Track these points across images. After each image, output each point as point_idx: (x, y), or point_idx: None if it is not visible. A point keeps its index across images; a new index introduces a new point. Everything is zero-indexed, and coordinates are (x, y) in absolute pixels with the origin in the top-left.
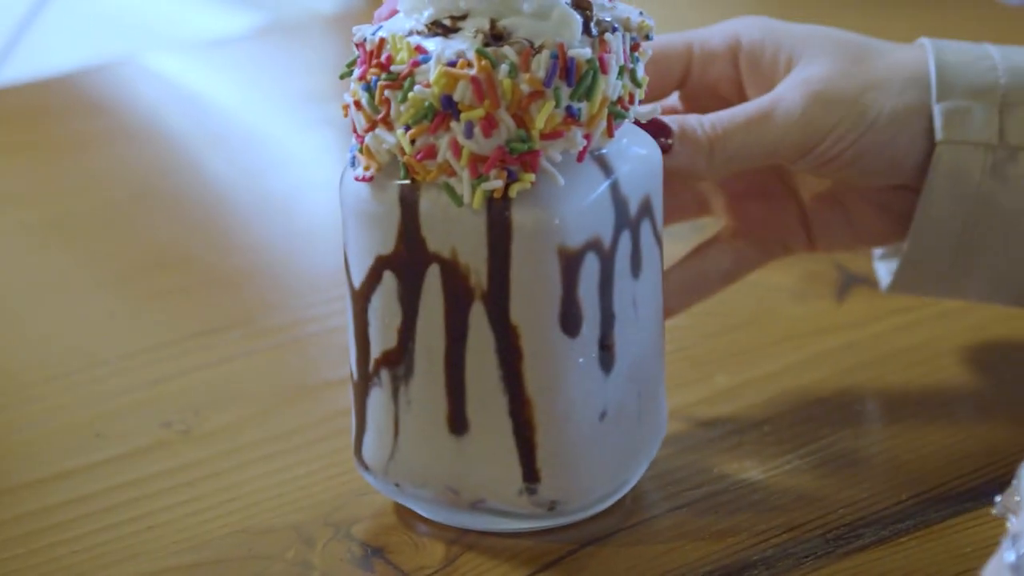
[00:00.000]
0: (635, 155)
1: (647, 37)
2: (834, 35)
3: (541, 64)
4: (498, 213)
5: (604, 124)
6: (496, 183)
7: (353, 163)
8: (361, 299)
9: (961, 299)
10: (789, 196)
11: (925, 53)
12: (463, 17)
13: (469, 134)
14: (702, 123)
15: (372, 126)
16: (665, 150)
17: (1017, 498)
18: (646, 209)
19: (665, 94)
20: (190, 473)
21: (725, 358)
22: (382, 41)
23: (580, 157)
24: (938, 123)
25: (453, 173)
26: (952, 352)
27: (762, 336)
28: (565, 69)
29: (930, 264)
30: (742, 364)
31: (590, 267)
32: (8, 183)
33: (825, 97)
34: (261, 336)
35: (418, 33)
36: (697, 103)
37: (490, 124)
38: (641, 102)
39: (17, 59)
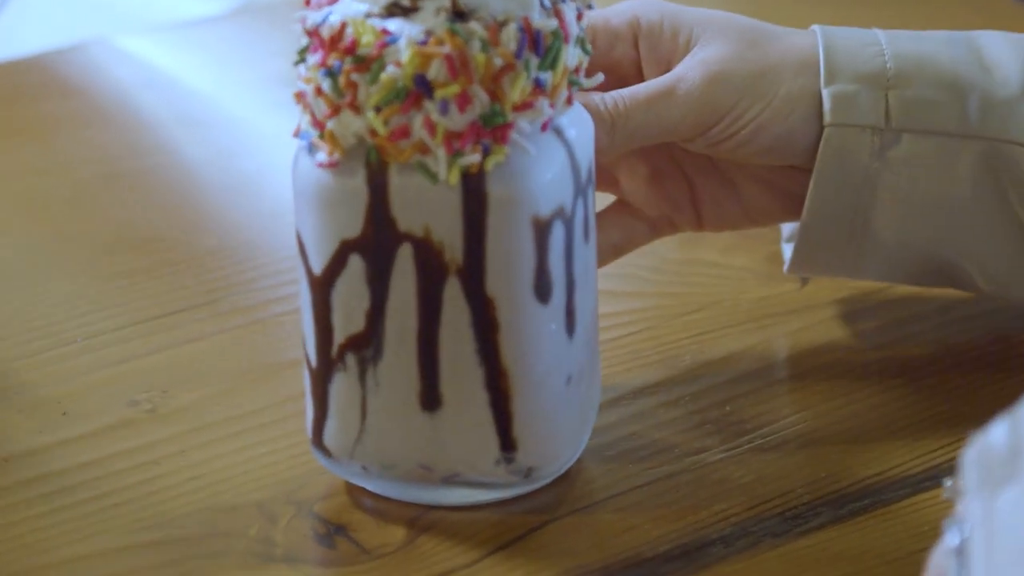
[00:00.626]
0: (579, 123)
1: (589, 6)
2: (731, 19)
3: (511, 37)
4: (474, 188)
5: (565, 93)
6: (473, 158)
7: (310, 150)
8: (323, 285)
9: (861, 279)
10: (678, 173)
11: (816, 38)
12: None
13: (444, 111)
14: (604, 100)
15: (336, 111)
16: None
17: (962, 482)
18: (590, 176)
19: None
20: (155, 451)
21: (688, 339)
22: (343, 25)
23: (544, 127)
24: (827, 106)
25: (427, 151)
26: (917, 334)
27: (725, 318)
28: (533, 41)
29: (825, 245)
30: (705, 344)
31: (557, 235)
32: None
33: (724, 78)
34: (228, 316)
35: (376, 15)
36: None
37: (465, 100)
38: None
39: None
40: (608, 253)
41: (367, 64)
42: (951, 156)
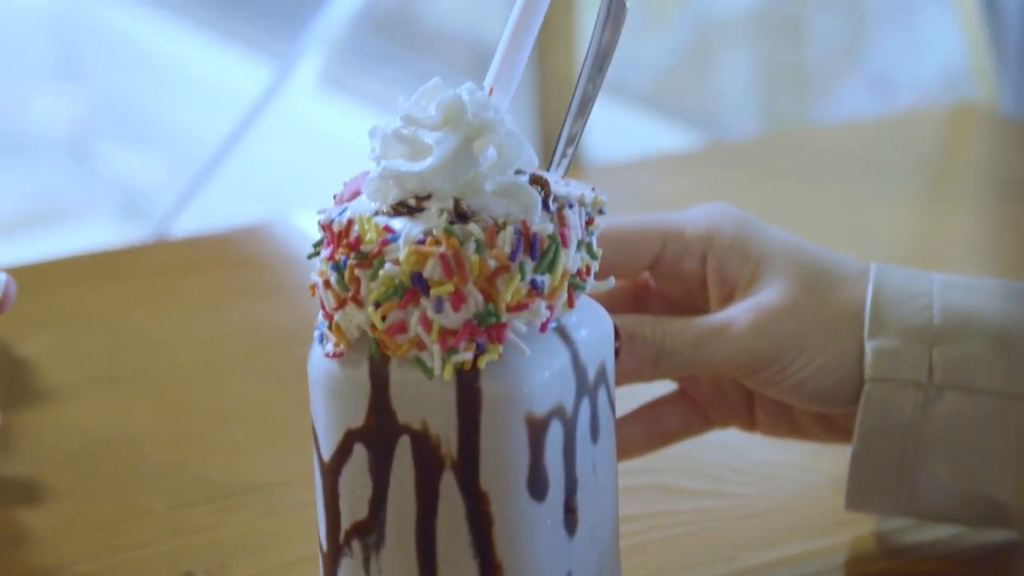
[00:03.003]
0: (592, 325)
1: (600, 212)
2: (798, 255)
3: (506, 240)
4: (468, 384)
5: (565, 296)
6: (466, 355)
7: (321, 340)
8: (331, 472)
9: (917, 519)
10: (735, 380)
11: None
12: (427, 197)
13: (439, 309)
14: (654, 330)
15: (341, 304)
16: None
17: None
18: (602, 377)
19: (634, 275)
20: None
21: (746, 542)
22: (350, 222)
23: (543, 328)
24: (868, 360)
25: (423, 347)
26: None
27: (798, 521)
28: (529, 244)
29: (876, 491)
30: (762, 550)
31: (555, 433)
32: (148, 330)
33: (773, 329)
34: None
35: (384, 213)
36: (663, 284)
37: (459, 299)
38: (597, 276)
39: (194, 212)
40: (658, 439)
41: (369, 260)
42: (998, 414)
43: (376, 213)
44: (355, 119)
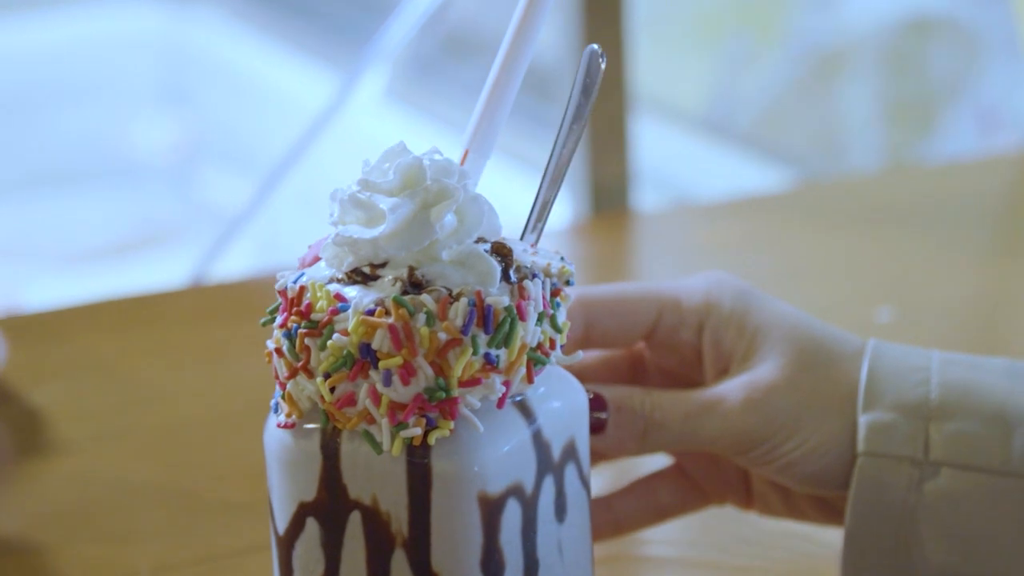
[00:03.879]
0: (558, 399)
1: (567, 283)
2: (794, 330)
3: (459, 312)
4: (418, 460)
5: (523, 371)
6: (415, 431)
7: (276, 409)
8: (285, 545)
9: None
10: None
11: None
12: (383, 265)
13: (388, 382)
14: (643, 404)
15: (293, 373)
16: (597, 428)
17: None
18: (570, 453)
19: (629, 344)
20: None
21: None
22: (302, 289)
23: (500, 404)
24: (861, 434)
25: (373, 420)
26: None
27: None
28: (482, 317)
29: (872, 572)
30: None
31: (511, 513)
32: (162, 381)
33: (764, 409)
34: None
35: (338, 281)
36: (658, 354)
37: (408, 372)
38: (585, 345)
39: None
40: (652, 515)
41: (319, 329)
42: (994, 494)
43: (331, 280)
44: (420, 135)
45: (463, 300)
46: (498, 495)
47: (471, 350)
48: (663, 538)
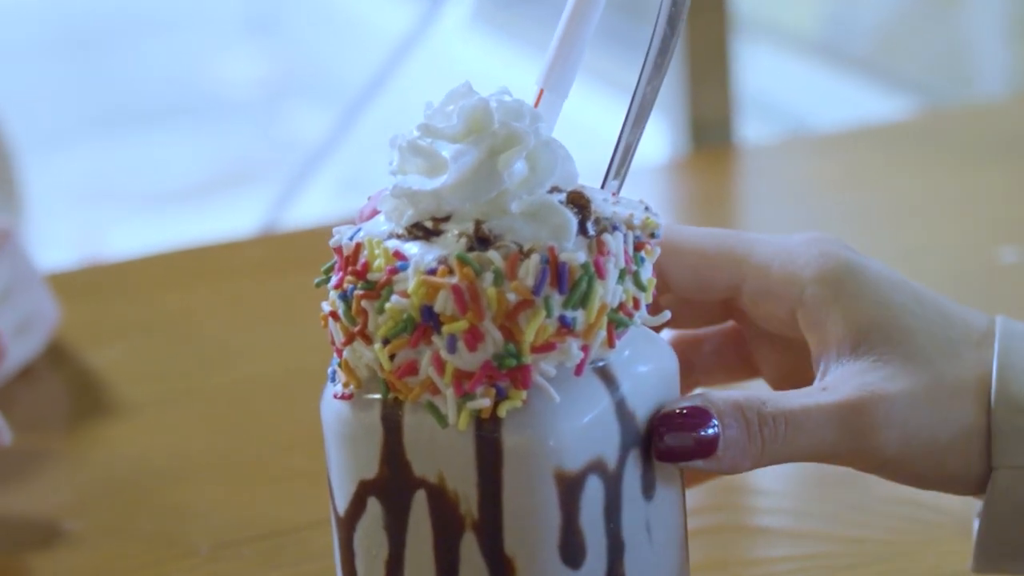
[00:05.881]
0: (644, 364)
1: (653, 235)
2: (913, 316)
3: (530, 270)
4: (487, 435)
5: (603, 334)
6: (483, 402)
7: (333, 378)
8: (346, 527)
9: None
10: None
11: (993, 349)
12: (446, 219)
13: (452, 348)
14: (760, 414)
15: (350, 339)
16: (705, 451)
17: None
18: None
19: (701, 303)
20: None
21: None
22: (358, 246)
23: (578, 371)
24: (995, 445)
25: (437, 391)
26: None
27: (911, 570)
28: (556, 275)
29: (1007, 563)
30: None
31: (593, 491)
32: (227, 338)
33: (904, 428)
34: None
35: (398, 236)
36: (737, 315)
37: (475, 337)
38: (649, 306)
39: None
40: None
41: (376, 291)
42: None
43: (390, 236)
44: (508, 62)
45: (535, 257)
46: (577, 472)
47: (544, 312)
48: (769, 507)
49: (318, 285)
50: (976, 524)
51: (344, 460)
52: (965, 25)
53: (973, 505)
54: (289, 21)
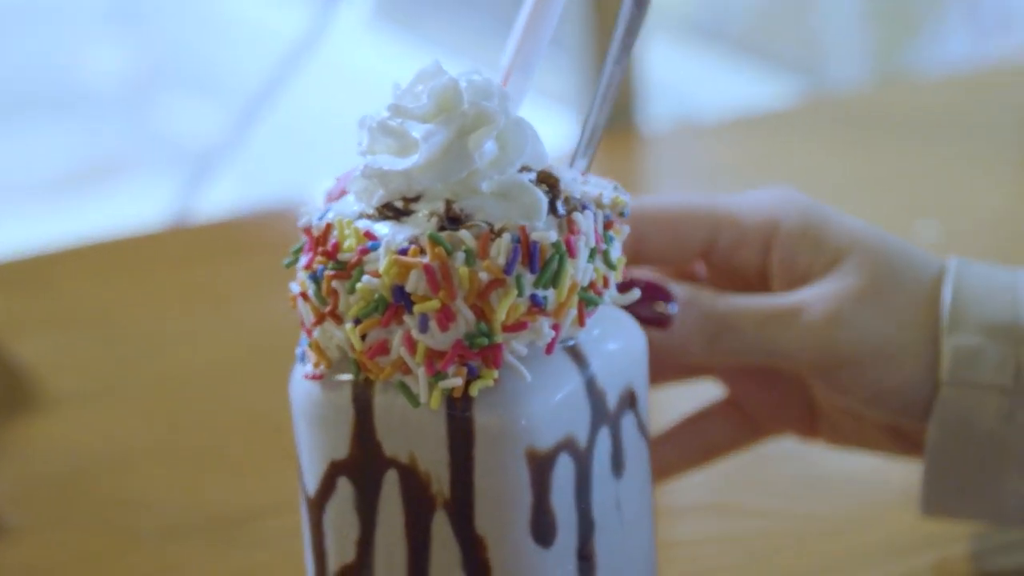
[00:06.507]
0: (614, 342)
1: (621, 214)
2: (875, 246)
3: (501, 249)
4: (459, 414)
5: (574, 312)
6: (455, 381)
7: (302, 359)
8: (316, 508)
9: (1006, 527)
10: (794, 381)
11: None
12: (416, 199)
13: (424, 328)
14: (715, 303)
15: (320, 320)
16: (662, 323)
17: None
18: (628, 401)
19: (681, 264)
20: None
21: (810, 572)
22: (328, 226)
23: (549, 349)
24: (945, 363)
25: (408, 370)
26: None
27: (864, 543)
28: (528, 254)
29: (953, 501)
30: None
31: (564, 470)
32: (153, 330)
33: (853, 324)
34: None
35: (368, 216)
36: (715, 275)
37: (446, 316)
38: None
39: (229, 179)
40: (700, 456)
41: (347, 271)
42: None
43: (360, 216)
44: (412, 59)
45: (506, 236)
46: (548, 450)
47: (516, 291)
48: (718, 485)
49: (287, 266)
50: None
51: (314, 441)
52: (822, 8)
53: (916, 477)
54: (153, 13)
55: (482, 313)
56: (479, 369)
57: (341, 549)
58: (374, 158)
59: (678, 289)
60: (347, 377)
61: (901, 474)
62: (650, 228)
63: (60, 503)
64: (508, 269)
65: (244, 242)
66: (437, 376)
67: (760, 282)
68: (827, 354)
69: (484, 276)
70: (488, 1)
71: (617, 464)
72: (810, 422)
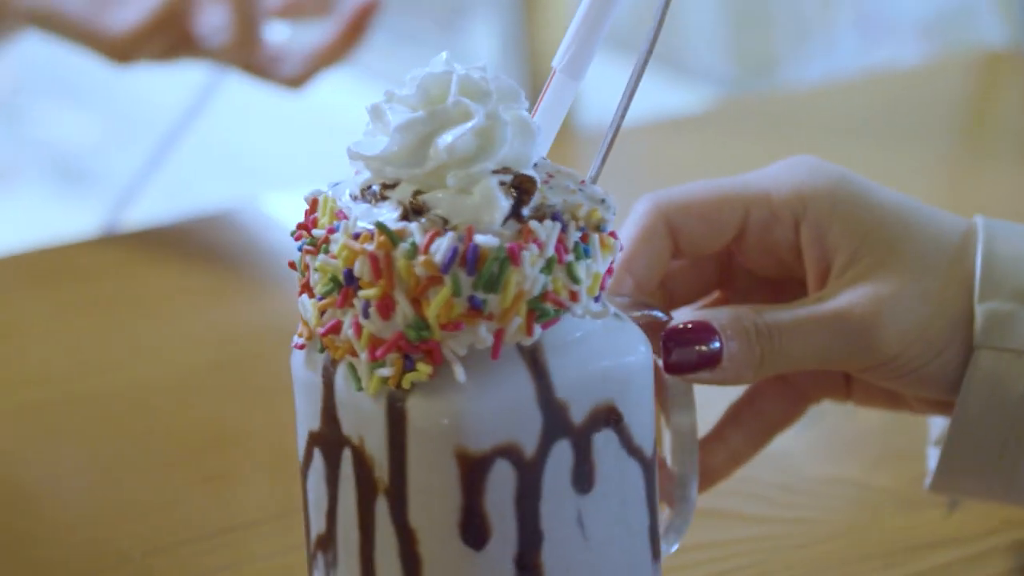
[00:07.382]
0: (595, 357)
1: (597, 228)
2: (906, 222)
3: (440, 247)
4: (396, 404)
5: (520, 320)
6: (387, 370)
7: (299, 327)
8: (303, 475)
9: (1013, 505)
10: None
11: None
12: (394, 186)
13: (366, 314)
14: (755, 327)
15: (302, 290)
16: (711, 361)
17: None
18: (604, 418)
19: (717, 249)
20: None
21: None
22: (315, 201)
23: (493, 354)
24: (978, 326)
25: (355, 354)
26: None
27: (856, 549)
28: (465, 256)
29: (970, 472)
30: None
31: (501, 476)
32: (101, 342)
33: (898, 324)
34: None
35: (354, 197)
36: (750, 257)
37: (387, 306)
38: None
39: (153, 195)
40: (764, 435)
41: (317, 247)
42: None
43: (351, 196)
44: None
45: (450, 235)
46: (482, 454)
47: (451, 291)
48: (708, 491)
49: (292, 235)
50: (931, 453)
51: (299, 409)
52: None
53: (904, 479)
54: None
55: (420, 308)
56: (416, 363)
57: (317, 519)
58: (357, 141)
59: (717, 319)
60: (322, 351)
61: (891, 478)
62: (683, 218)
63: (37, 522)
64: (444, 268)
65: (178, 249)
66: (376, 363)
67: (795, 260)
68: (874, 356)
69: (421, 272)
70: (424, 32)
71: (581, 479)
72: (845, 388)
